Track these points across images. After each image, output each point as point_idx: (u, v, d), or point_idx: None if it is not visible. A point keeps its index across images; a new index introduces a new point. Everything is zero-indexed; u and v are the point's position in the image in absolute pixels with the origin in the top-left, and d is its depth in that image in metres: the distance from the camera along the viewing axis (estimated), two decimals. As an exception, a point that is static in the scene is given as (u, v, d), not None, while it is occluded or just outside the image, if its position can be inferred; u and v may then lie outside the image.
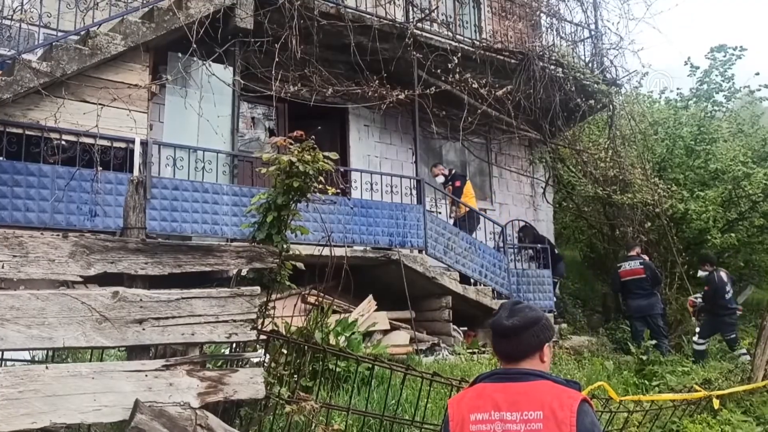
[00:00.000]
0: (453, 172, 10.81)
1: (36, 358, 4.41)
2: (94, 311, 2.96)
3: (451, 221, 10.25)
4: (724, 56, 15.51)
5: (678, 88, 16.88)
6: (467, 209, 10.26)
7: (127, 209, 3.28)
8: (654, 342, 8.60)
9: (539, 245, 11.14)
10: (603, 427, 5.48)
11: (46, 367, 2.92)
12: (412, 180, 9.70)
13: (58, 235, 3.01)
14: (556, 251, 11.82)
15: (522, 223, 11.55)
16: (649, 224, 11.76)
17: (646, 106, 16.00)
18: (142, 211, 3.28)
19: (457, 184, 10.48)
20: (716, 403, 6.38)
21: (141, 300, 3.08)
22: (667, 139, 13.65)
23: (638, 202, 11.49)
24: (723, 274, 9.72)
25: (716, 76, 15.59)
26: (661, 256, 12.07)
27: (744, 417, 6.57)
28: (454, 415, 2.25)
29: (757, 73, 17.34)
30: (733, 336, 9.54)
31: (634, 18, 30.69)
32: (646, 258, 10.76)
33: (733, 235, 12.17)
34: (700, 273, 10.16)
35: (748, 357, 8.62)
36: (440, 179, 10.55)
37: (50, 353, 3.73)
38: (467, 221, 10.21)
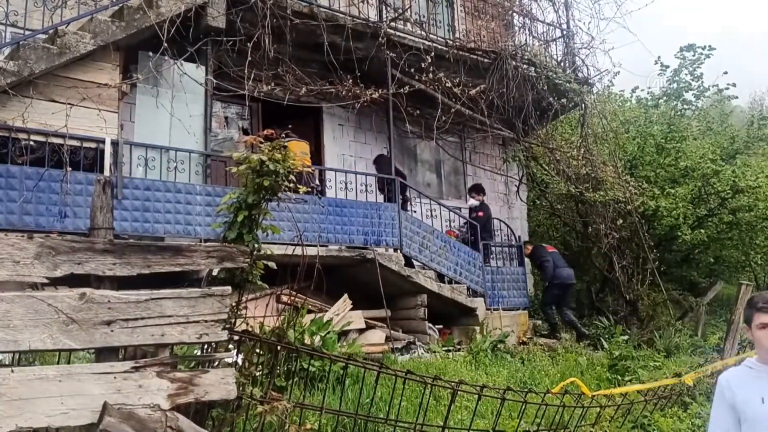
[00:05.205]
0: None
1: (3, 362, 4.33)
2: (60, 313, 2.92)
3: None
4: (693, 56, 15.73)
5: (649, 87, 17.14)
6: None
7: (95, 209, 3.23)
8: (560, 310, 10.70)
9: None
10: (575, 422, 5.54)
11: (12, 371, 2.87)
12: (386, 179, 9.71)
13: (23, 236, 2.96)
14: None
15: (496, 221, 11.57)
16: (621, 221, 11.89)
17: (617, 104, 16.20)
18: (109, 211, 3.23)
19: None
20: (688, 379, 6.47)
21: (109, 301, 3.04)
22: (638, 137, 13.84)
23: (610, 200, 11.62)
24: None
25: (686, 75, 15.83)
26: (633, 252, 12.24)
27: (714, 410, 6.66)
28: None
29: (725, 72, 17.58)
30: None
31: (604, 18, 31.08)
32: None
33: (702, 231, 12.36)
34: (472, 202, 11.38)
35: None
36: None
37: (16, 356, 3.66)
38: None
